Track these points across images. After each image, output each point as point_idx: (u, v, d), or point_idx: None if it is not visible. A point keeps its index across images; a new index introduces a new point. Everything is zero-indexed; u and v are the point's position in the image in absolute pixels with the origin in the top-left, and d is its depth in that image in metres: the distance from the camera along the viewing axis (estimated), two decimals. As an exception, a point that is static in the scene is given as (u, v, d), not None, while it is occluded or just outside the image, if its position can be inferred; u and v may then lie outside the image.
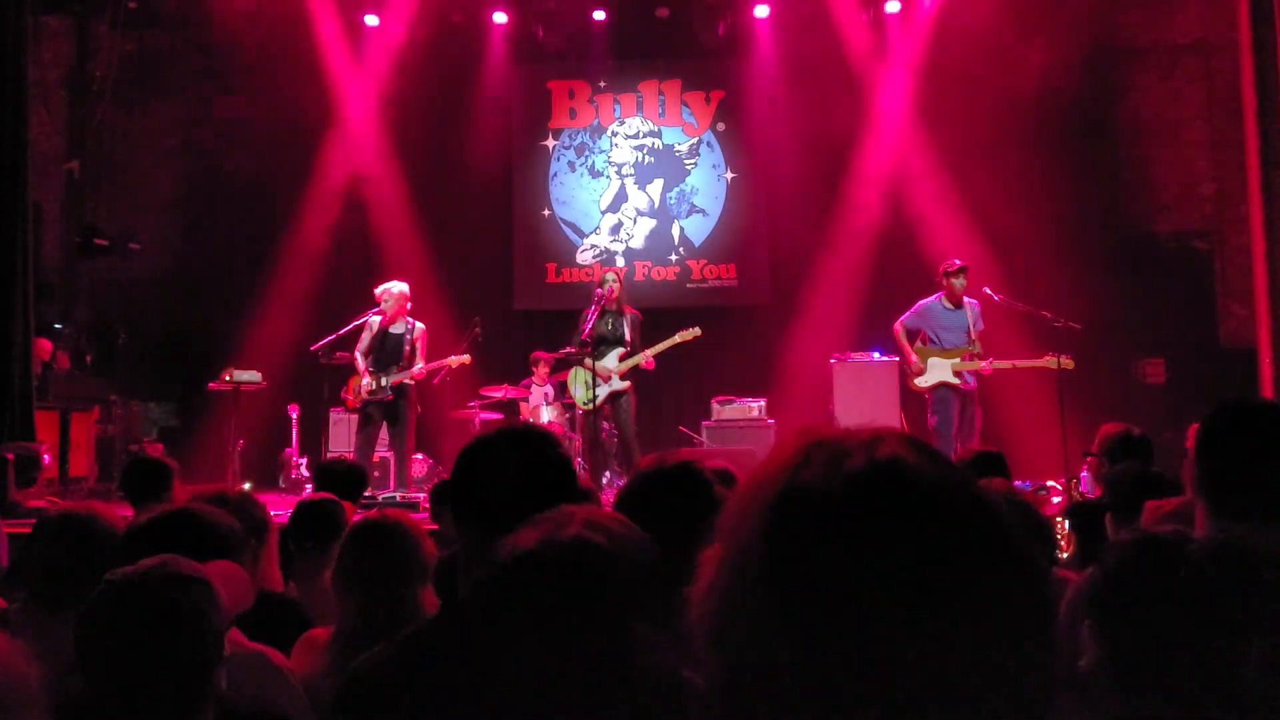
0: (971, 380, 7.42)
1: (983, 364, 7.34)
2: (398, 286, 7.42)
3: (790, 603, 0.66)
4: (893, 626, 0.63)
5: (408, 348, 7.32)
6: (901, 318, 7.60)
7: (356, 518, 3.35)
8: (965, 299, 7.47)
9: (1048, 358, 7.19)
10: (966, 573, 0.65)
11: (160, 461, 3.66)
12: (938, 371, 7.39)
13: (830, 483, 0.67)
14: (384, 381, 7.26)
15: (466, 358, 7.56)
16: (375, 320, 7.38)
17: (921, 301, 7.61)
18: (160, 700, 1.58)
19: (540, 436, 1.69)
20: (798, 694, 0.64)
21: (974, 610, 0.64)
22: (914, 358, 7.44)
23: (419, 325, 7.43)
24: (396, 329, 7.36)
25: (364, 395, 7.32)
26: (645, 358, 7.50)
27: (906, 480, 0.67)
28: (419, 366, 7.28)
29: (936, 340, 7.48)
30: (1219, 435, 1.89)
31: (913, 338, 7.55)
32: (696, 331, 7.65)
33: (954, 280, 7.38)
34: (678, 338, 7.62)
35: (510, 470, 1.60)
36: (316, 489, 3.85)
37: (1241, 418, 1.88)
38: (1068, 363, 7.12)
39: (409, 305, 7.46)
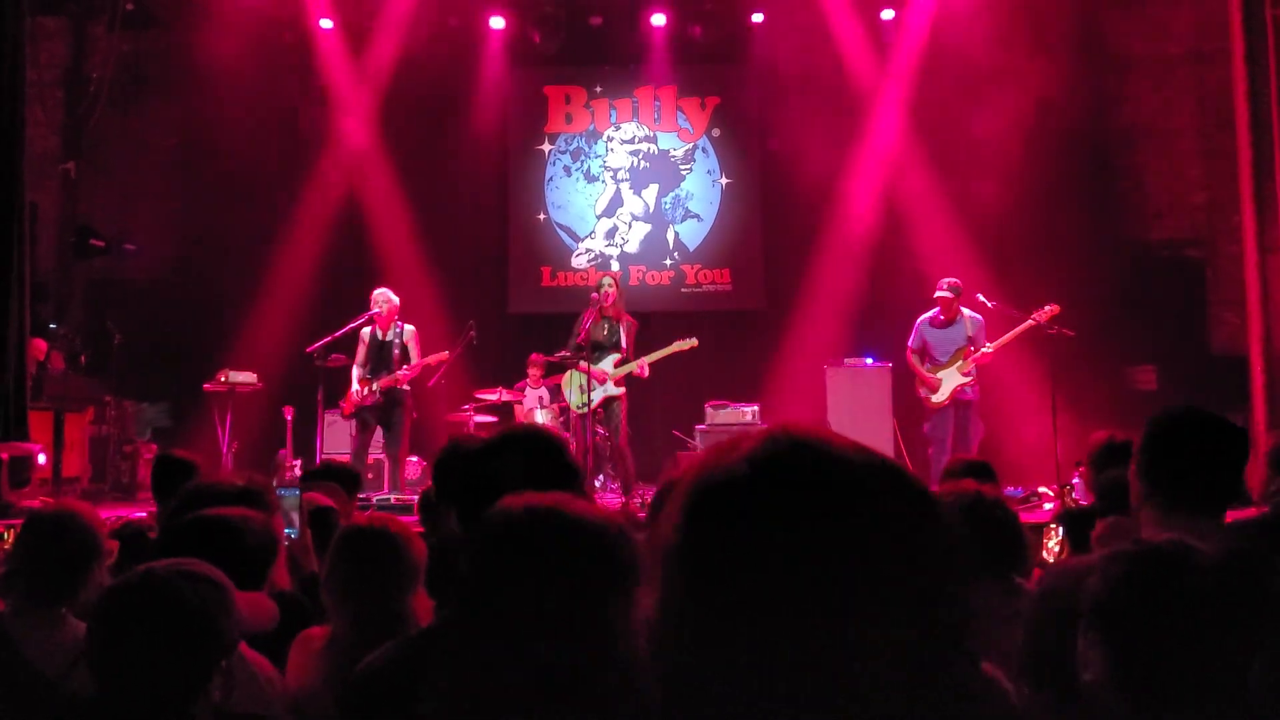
0: (972, 391, 7.46)
1: (983, 351, 7.37)
2: (393, 295, 7.55)
3: (706, 584, 0.67)
4: (806, 593, 0.65)
5: (397, 351, 7.45)
6: (909, 343, 7.67)
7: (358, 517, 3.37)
8: (968, 314, 7.51)
9: (1034, 315, 7.20)
10: (870, 538, 0.67)
11: (184, 460, 3.66)
12: (949, 383, 7.44)
13: (736, 467, 0.70)
14: (374, 386, 7.39)
15: (445, 354, 7.62)
16: (367, 332, 7.53)
17: (917, 320, 7.68)
18: (152, 692, 1.59)
19: (547, 437, 1.70)
20: (728, 675, 0.66)
21: (881, 571, 0.66)
22: (930, 376, 7.48)
23: (408, 327, 7.56)
24: (387, 337, 7.49)
25: (356, 401, 7.46)
26: (639, 365, 7.50)
27: (807, 455, 0.69)
28: (404, 369, 7.37)
29: (932, 356, 7.55)
30: (1171, 437, 2.03)
31: (922, 358, 7.60)
32: (693, 342, 7.62)
33: (940, 297, 7.50)
34: (674, 347, 7.59)
35: (519, 471, 1.61)
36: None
37: (1186, 422, 2.05)
38: (1054, 309, 7.15)
39: (398, 315, 7.57)
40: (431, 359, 7.57)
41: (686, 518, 0.71)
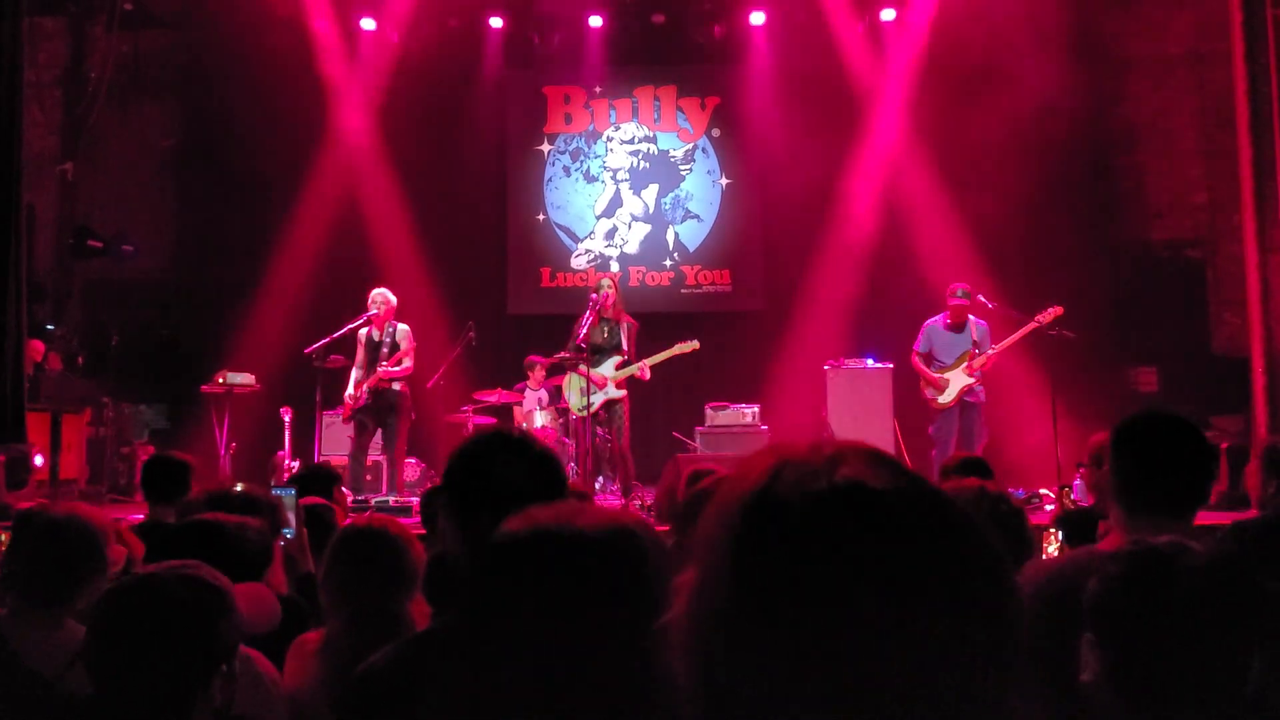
0: (979, 394, 7.46)
1: (989, 353, 7.38)
2: (391, 295, 7.55)
3: (754, 613, 0.67)
4: (859, 636, 0.65)
5: (385, 349, 7.44)
6: (915, 346, 7.68)
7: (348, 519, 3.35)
8: (974, 320, 7.52)
9: (1038, 317, 7.22)
10: (932, 587, 0.67)
11: (179, 460, 3.63)
12: (955, 385, 7.45)
13: (795, 498, 0.69)
14: (365, 387, 7.40)
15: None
16: (363, 333, 7.55)
17: (925, 323, 7.68)
18: (149, 694, 1.59)
19: (525, 439, 1.70)
20: (769, 703, 0.66)
21: (942, 625, 0.66)
22: (937, 376, 7.48)
23: (401, 327, 7.55)
24: (381, 336, 7.49)
25: (350, 405, 7.49)
26: (640, 367, 7.48)
27: (868, 499, 0.69)
28: (383, 368, 7.37)
29: (938, 359, 7.54)
30: (1134, 440, 2.05)
31: (927, 361, 7.60)
32: (694, 344, 7.59)
33: (953, 301, 7.48)
34: (675, 349, 7.57)
35: (509, 471, 1.61)
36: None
37: (1151, 425, 2.06)
38: (1057, 311, 7.17)
39: (393, 315, 7.57)
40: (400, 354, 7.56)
41: (743, 532, 0.70)
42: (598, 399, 7.44)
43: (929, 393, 7.56)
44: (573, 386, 7.65)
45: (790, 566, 0.67)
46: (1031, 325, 7.25)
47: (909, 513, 0.69)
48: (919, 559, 0.67)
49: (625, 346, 7.53)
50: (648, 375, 7.51)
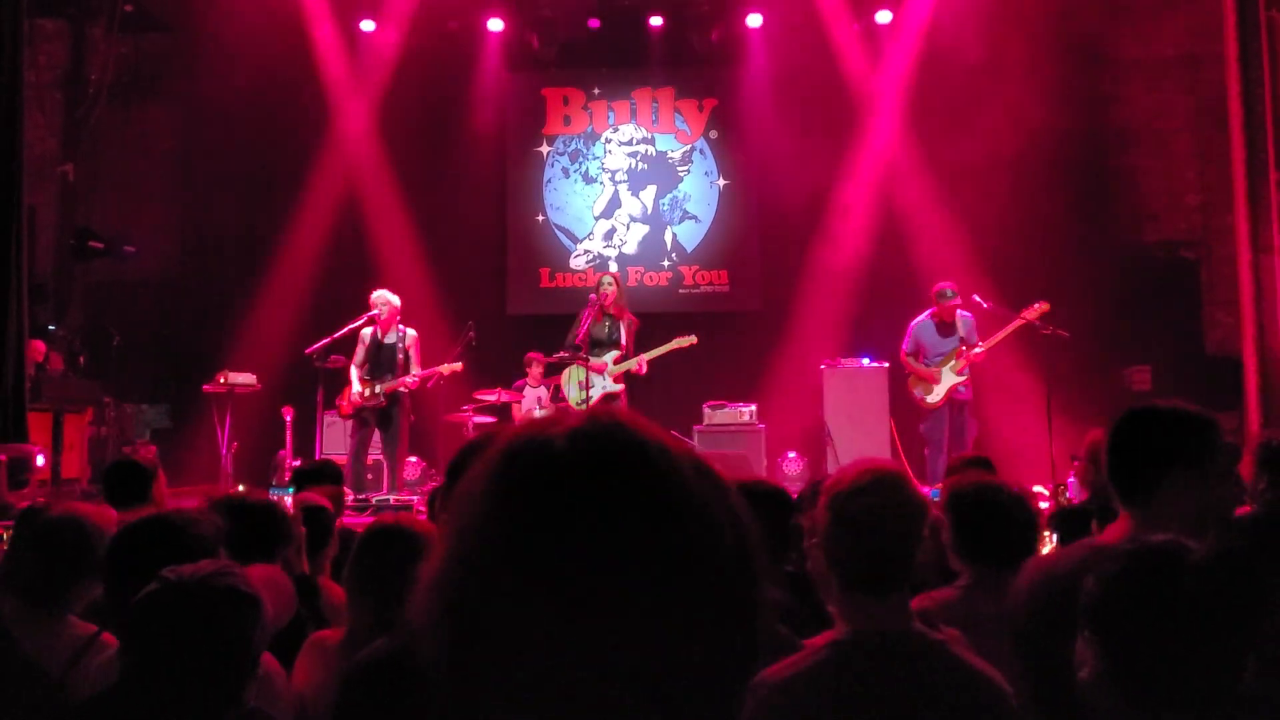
0: (966, 390, 7.50)
1: (975, 351, 7.43)
2: (394, 297, 7.56)
3: (514, 546, 0.68)
4: (606, 570, 0.67)
5: (401, 355, 7.47)
6: (903, 346, 7.71)
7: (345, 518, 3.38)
8: (960, 314, 7.57)
9: (1024, 313, 7.27)
10: (673, 525, 0.69)
11: (140, 464, 3.63)
12: (944, 383, 7.49)
13: (554, 440, 0.72)
14: (378, 389, 7.39)
15: (459, 365, 7.65)
16: (367, 333, 7.53)
17: (911, 323, 7.71)
18: (192, 702, 1.61)
19: None
20: (529, 646, 0.67)
21: (680, 556, 0.68)
22: (928, 371, 7.52)
23: (410, 332, 7.57)
24: (389, 339, 7.51)
25: (357, 401, 7.44)
26: (638, 362, 7.56)
27: (626, 438, 0.72)
28: (413, 376, 7.38)
29: (928, 356, 7.58)
30: (1124, 434, 2.06)
31: (915, 359, 7.64)
32: (692, 339, 7.68)
33: (942, 302, 7.51)
34: (673, 344, 7.66)
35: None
36: (295, 492, 3.84)
37: (1117, 420, 2.07)
38: (1043, 307, 7.24)
39: (399, 317, 7.58)
40: (444, 369, 7.56)
41: (497, 482, 0.72)
42: (595, 392, 7.51)
43: (918, 392, 7.61)
44: (571, 380, 7.71)
45: (546, 511, 0.68)
46: (1018, 321, 7.30)
47: (664, 453, 0.71)
48: (680, 499, 0.69)
49: (624, 342, 7.60)
50: (644, 370, 7.58)
